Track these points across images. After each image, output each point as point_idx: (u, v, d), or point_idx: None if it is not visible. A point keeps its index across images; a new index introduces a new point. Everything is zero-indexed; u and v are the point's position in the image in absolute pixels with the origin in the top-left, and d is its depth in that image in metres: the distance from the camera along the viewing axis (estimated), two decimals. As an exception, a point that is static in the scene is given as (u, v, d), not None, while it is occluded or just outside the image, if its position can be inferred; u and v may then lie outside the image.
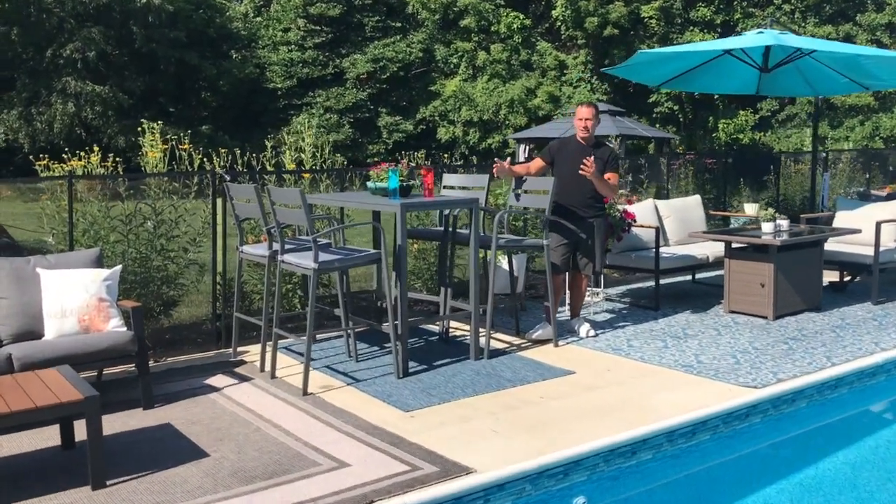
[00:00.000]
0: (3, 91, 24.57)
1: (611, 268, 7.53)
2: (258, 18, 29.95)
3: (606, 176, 5.98)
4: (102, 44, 23.85)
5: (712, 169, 10.11)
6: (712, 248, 7.48)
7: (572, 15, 26.33)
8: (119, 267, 5.01)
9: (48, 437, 4.21)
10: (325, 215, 6.43)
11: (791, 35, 7.52)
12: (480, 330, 5.61)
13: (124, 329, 4.72)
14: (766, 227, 6.98)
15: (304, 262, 4.97)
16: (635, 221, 7.08)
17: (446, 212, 6.13)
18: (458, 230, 6.06)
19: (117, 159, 6.30)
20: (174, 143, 6.46)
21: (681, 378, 5.19)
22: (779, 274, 6.63)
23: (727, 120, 26.19)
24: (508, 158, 6.24)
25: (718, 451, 4.61)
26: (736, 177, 10.39)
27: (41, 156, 6.29)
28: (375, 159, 25.99)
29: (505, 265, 6.88)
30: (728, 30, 26.19)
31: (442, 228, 6.22)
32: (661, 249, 7.17)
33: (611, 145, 7.04)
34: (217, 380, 5.23)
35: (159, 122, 6.67)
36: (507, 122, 26.72)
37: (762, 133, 26.58)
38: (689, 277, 8.45)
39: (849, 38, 23.98)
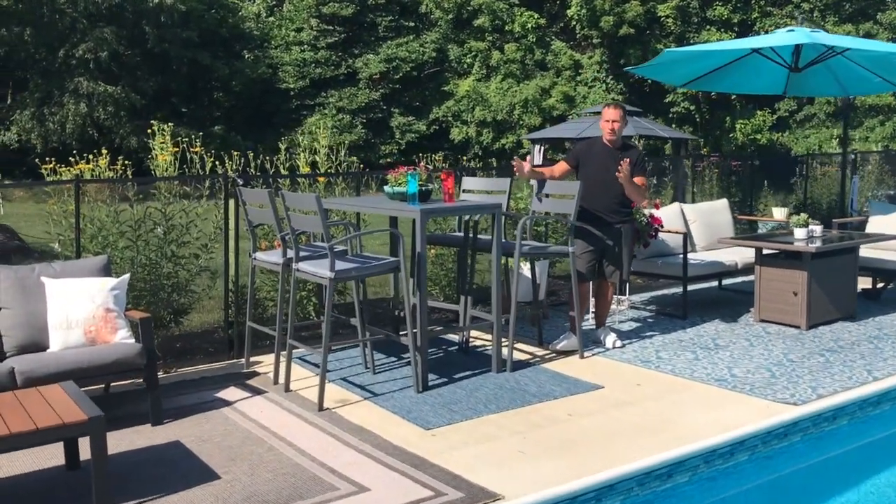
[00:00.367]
0: (15, 91, 24.54)
1: (635, 274, 7.27)
2: (271, 18, 29.81)
3: (635, 179, 5.72)
4: (115, 44, 23.76)
5: (737, 171, 9.81)
6: (741, 255, 7.20)
7: (587, 14, 26.03)
8: (127, 276, 4.80)
9: (51, 454, 4.00)
10: (340, 221, 6.20)
11: (823, 33, 7.23)
12: (503, 340, 5.37)
13: (132, 341, 4.51)
14: (799, 233, 6.70)
15: (319, 270, 4.74)
16: (662, 227, 6.82)
17: (466, 217, 5.89)
18: (478, 236, 5.82)
19: (126, 162, 6.10)
20: (185, 145, 6.25)
21: (715, 393, 4.93)
22: (813, 282, 6.36)
23: (744, 120, 25.83)
24: (528, 157, 5.99)
25: (756, 472, 4.35)
26: (760, 179, 10.10)
27: (47, 159, 6.10)
28: (388, 160, 25.81)
29: (526, 271, 6.64)
30: (745, 29, 25.83)
31: (461, 234, 5.99)
32: (689, 255, 6.91)
33: (638, 147, 6.78)
34: (229, 393, 5.02)
35: (170, 123, 6.46)
36: (522, 122, 26.46)
37: (780, 133, 26.20)
38: (714, 284, 8.17)
39: (869, 37, 23.52)
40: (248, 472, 3.81)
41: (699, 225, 7.58)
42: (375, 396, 4.88)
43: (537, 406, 4.70)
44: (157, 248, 5.79)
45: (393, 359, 5.70)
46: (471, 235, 5.78)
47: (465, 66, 28.33)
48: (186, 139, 6.42)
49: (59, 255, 5.56)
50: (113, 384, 4.94)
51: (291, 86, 27.12)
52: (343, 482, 3.68)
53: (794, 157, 15.79)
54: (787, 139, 26.03)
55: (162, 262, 5.80)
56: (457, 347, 6.01)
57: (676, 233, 6.98)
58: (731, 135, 26.11)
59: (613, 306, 6.94)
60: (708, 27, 26.25)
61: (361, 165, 7.60)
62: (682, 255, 6.81)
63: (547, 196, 5.99)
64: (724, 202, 8.14)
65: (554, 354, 5.79)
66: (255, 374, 5.43)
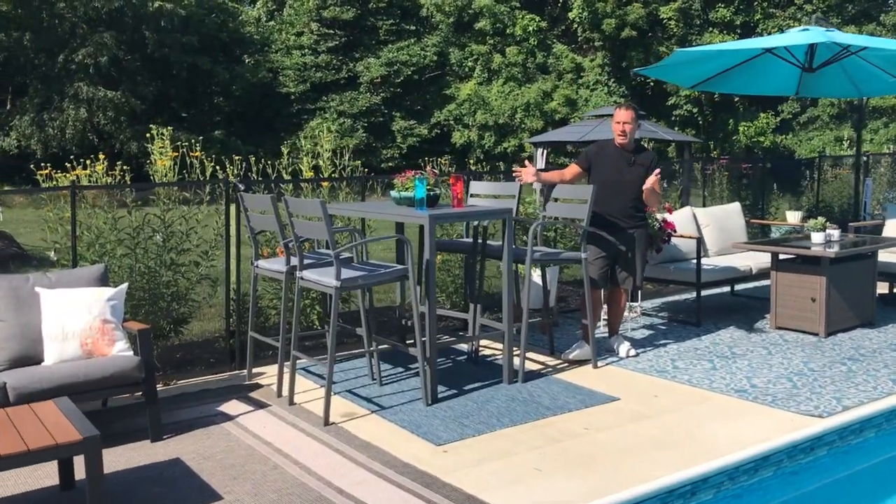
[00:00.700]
0: (15, 97, 24.38)
1: (647, 280, 7.09)
2: (271, 22, 29.66)
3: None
4: (115, 49, 23.61)
5: (747, 174, 9.62)
6: (755, 260, 7.02)
7: (589, 17, 25.89)
8: (125, 285, 4.61)
9: (46, 474, 3.82)
10: (345, 227, 6.02)
11: (838, 32, 7.05)
12: (514, 350, 5.19)
13: (130, 353, 4.33)
14: (816, 237, 6.52)
15: (325, 279, 4.56)
16: (675, 231, 6.64)
17: (475, 222, 5.70)
18: (487, 242, 5.64)
19: (125, 167, 5.92)
20: (185, 149, 6.07)
21: (735, 405, 4.74)
22: (832, 287, 6.17)
23: (747, 122, 25.65)
24: (527, 161, 5.81)
25: (781, 488, 4.16)
26: (770, 182, 9.92)
27: (42, 164, 5.92)
28: (390, 164, 25.65)
29: (536, 278, 6.46)
30: (748, 31, 25.68)
31: (469, 240, 5.81)
32: (702, 261, 6.73)
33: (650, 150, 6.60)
34: (231, 406, 4.83)
35: (169, 127, 6.28)
36: (523, 125, 26.29)
37: (783, 136, 26.01)
38: (727, 290, 7.99)
39: (873, 39, 23.39)
40: (251, 493, 3.62)
41: (712, 229, 7.40)
42: (383, 410, 4.70)
43: (552, 419, 4.51)
44: (156, 255, 5.61)
45: (400, 369, 5.51)
46: (479, 241, 5.60)
47: (467, 69, 28.17)
48: (186, 143, 6.25)
49: (55, 263, 5.38)
50: (111, 398, 4.75)
51: (292, 90, 26.96)
52: (351, 503, 3.49)
53: (804, 160, 15.59)
54: (791, 141, 25.85)
55: (161, 271, 5.62)
56: (466, 357, 5.82)
57: (689, 237, 6.80)
58: (734, 137, 25.93)
59: (625, 314, 6.75)
60: (710, 29, 26.11)
61: (365, 170, 7.41)
62: (695, 261, 6.63)
63: (556, 200, 5.80)
64: (736, 206, 7.96)
65: (566, 364, 5.61)
66: (258, 385, 5.25)
